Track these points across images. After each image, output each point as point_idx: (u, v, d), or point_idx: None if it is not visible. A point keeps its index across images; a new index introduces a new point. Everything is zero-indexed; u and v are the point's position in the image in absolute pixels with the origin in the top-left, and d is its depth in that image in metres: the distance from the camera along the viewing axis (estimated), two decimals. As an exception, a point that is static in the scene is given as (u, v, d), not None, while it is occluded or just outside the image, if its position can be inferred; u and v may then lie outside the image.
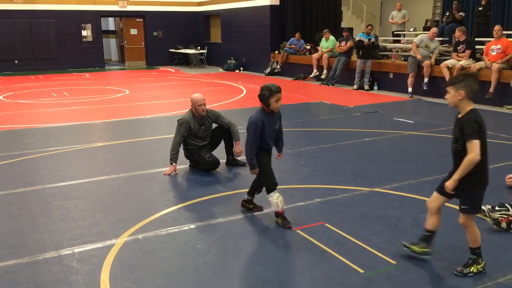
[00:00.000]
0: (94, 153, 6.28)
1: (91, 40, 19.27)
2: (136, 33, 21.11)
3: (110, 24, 23.49)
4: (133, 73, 17.74)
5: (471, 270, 3.02)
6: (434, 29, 10.99)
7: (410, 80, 10.86)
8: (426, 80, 10.62)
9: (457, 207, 4.15)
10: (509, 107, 8.97)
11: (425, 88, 10.62)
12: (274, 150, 4.05)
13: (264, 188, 3.95)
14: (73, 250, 3.46)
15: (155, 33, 20.43)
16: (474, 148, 2.82)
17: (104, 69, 19.47)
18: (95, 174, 5.27)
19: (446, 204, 4.24)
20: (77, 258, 3.35)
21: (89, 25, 19.14)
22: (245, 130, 3.88)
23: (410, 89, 10.88)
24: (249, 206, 4.18)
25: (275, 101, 3.76)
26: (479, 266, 3.03)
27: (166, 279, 3.07)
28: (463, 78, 2.90)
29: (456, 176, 2.91)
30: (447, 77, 10.08)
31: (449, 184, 2.95)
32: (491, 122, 8.26)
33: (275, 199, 3.79)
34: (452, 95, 2.92)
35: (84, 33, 19.14)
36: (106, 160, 5.94)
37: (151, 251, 3.45)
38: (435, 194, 3.16)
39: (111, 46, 23.49)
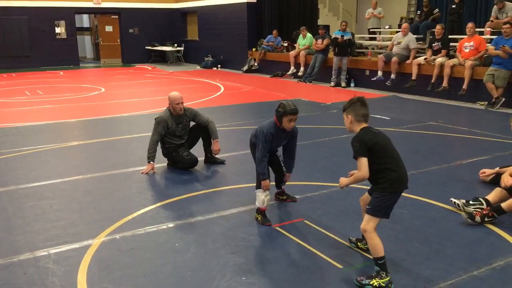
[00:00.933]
0: (69, 153, 6.17)
1: (65, 37, 18.91)
2: (111, 30, 20.79)
3: (84, 21, 23.08)
4: (109, 71, 17.49)
5: (371, 283, 2.81)
6: (404, 25, 11.24)
7: (379, 64, 11.19)
8: (392, 76, 10.83)
9: (442, 205, 4.24)
10: (481, 103, 9.17)
11: (388, 84, 10.81)
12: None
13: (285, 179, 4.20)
14: (48, 251, 3.39)
15: (131, 30, 20.17)
16: (360, 166, 2.91)
17: (79, 66, 19.14)
18: (70, 174, 5.18)
19: (426, 200, 4.31)
20: (53, 259, 3.29)
21: (63, 22, 18.78)
22: (251, 138, 4.03)
23: (379, 73, 11.25)
24: (282, 197, 4.32)
25: (287, 121, 3.79)
26: (382, 281, 2.80)
27: (144, 279, 3.03)
28: (349, 104, 3.05)
29: (347, 181, 3.05)
30: (414, 75, 10.31)
31: (341, 182, 3.10)
32: (464, 118, 8.45)
33: (263, 197, 3.81)
34: (345, 120, 3.09)
35: (57, 30, 18.76)
36: (81, 160, 5.85)
37: (129, 251, 3.41)
38: (366, 193, 3.24)
39: (85, 43, 23.08)
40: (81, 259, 3.28)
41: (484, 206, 3.88)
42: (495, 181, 4.57)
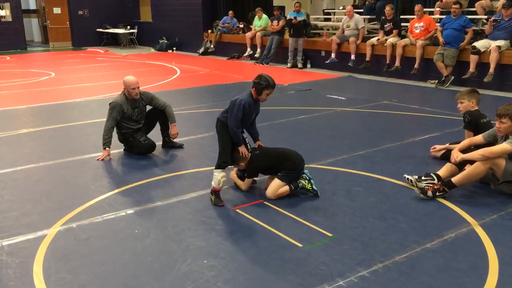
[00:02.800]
0: (19, 141, 5.93)
1: (11, 20, 17.99)
2: (59, 12, 19.93)
3: (30, 2, 22.00)
4: (59, 55, 16.84)
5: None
6: (348, 8, 11.38)
7: (333, 46, 11.30)
8: (352, 57, 10.96)
9: (396, 181, 4.36)
10: (432, 81, 9.47)
11: (350, 65, 10.95)
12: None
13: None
14: (1, 243, 3.28)
15: (80, 12, 19.42)
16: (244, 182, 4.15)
17: (27, 51, 18.30)
18: (21, 163, 4.99)
19: (380, 177, 4.43)
20: (6, 251, 3.18)
21: (7, 4, 17.84)
22: (226, 109, 4.04)
23: (332, 55, 11.36)
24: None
25: (267, 94, 3.94)
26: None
27: (103, 267, 2.99)
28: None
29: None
30: (368, 55, 10.50)
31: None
32: (416, 96, 8.72)
33: (219, 177, 3.84)
34: None
35: (2, 12, 17.82)
36: (32, 148, 5.63)
37: (87, 240, 3.34)
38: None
39: (32, 26, 22.05)
40: (37, 249, 3.18)
41: (436, 181, 4.03)
42: (446, 156, 4.76)
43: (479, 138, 4.18)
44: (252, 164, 4.05)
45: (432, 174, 4.12)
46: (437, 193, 3.88)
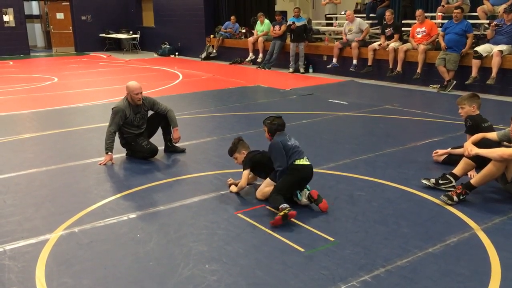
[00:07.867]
0: (22, 145, 5.95)
1: (14, 25, 18.09)
2: (62, 17, 20.05)
3: (34, 8, 22.15)
4: (61, 60, 16.91)
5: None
6: (348, 12, 11.42)
7: (335, 51, 11.37)
8: (354, 62, 10.97)
9: (398, 186, 4.37)
10: (434, 86, 9.47)
11: (352, 70, 10.95)
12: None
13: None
14: (4, 248, 3.28)
15: (83, 17, 19.51)
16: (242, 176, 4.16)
17: (30, 56, 18.39)
18: (24, 167, 5.01)
19: (382, 182, 4.43)
20: (8, 255, 3.19)
21: (11, 10, 17.95)
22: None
23: (334, 60, 11.43)
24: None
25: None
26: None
27: (105, 271, 2.99)
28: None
29: (236, 190, 4.21)
30: (370, 60, 10.51)
31: (232, 189, 4.26)
32: (418, 101, 8.72)
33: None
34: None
35: (5, 18, 17.93)
36: (35, 152, 5.65)
37: (89, 244, 3.34)
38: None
39: (36, 31, 22.19)
40: (39, 254, 3.19)
41: (454, 183, 4.03)
42: (448, 161, 4.76)
43: (493, 135, 4.15)
44: (249, 155, 4.22)
45: (448, 176, 4.10)
46: (461, 197, 3.87)
